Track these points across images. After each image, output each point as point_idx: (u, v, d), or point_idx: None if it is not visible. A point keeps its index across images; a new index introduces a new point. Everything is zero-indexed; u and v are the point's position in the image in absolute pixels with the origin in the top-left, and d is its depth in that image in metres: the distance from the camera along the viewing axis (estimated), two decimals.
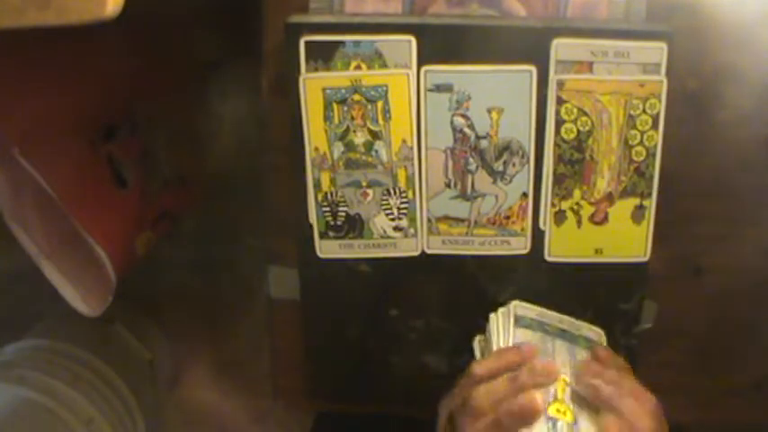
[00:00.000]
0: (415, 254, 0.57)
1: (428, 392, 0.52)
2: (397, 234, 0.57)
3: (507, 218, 0.56)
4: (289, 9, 0.54)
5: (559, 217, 0.56)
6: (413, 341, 0.60)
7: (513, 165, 0.55)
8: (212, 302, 0.78)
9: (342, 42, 0.52)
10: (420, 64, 0.53)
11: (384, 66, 0.53)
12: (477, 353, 0.54)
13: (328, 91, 0.53)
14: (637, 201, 0.55)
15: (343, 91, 0.53)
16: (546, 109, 0.53)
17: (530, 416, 0.45)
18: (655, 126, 0.54)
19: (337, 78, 0.53)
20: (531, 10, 0.55)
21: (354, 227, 0.57)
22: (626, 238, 0.56)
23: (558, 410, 0.46)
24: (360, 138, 0.54)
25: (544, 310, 0.55)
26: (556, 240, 0.56)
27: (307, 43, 0.52)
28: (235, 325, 0.77)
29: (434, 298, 0.59)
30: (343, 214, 0.56)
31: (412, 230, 0.57)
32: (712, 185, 0.58)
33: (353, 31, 0.52)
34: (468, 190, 0.56)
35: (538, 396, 0.46)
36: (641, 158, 0.54)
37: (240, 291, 0.76)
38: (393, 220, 0.56)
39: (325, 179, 0.55)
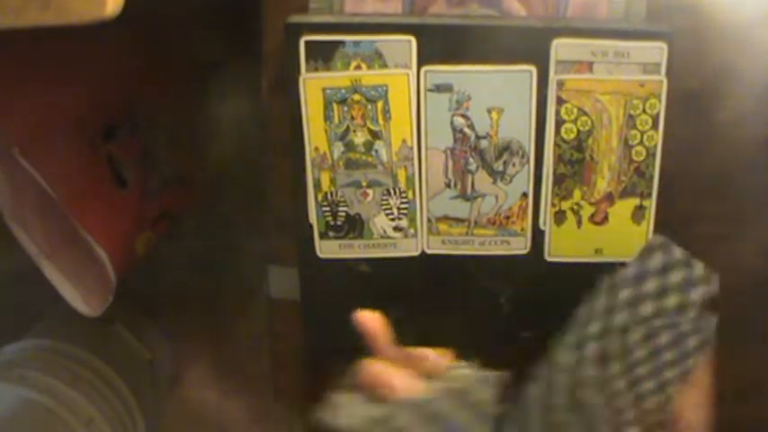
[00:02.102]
0: (415, 254, 0.57)
1: None
2: (397, 234, 0.57)
3: (507, 218, 0.56)
4: (289, 9, 0.54)
5: (559, 217, 0.56)
6: (413, 341, 0.60)
7: (513, 165, 0.55)
8: (212, 302, 0.78)
9: (342, 42, 0.52)
10: (420, 64, 0.53)
11: (384, 66, 0.53)
12: None
13: (328, 91, 0.53)
14: (637, 201, 0.55)
15: (343, 91, 0.53)
16: (546, 109, 0.53)
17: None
18: (655, 126, 0.54)
19: (337, 78, 0.53)
20: (531, 10, 0.55)
21: (354, 227, 0.57)
22: (626, 238, 0.56)
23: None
24: (360, 138, 0.54)
25: None
26: (556, 240, 0.56)
27: (307, 43, 0.52)
28: (235, 325, 0.77)
29: (434, 298, 0.59)
30: (343, 214, 0.56)
31: (412, 230, 0.57)
32: (712, 185, 0.58)
33: (353, 31, 0.52)
34: (468, 190, 0.56)
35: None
36: (641, 158, 0.54)
37: (240, 291, 0.76)
38: (393, 220, 0.56)
39: (325, 179, 0.55)
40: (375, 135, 0.54)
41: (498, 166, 0.55)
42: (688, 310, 0.49)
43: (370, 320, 0.49)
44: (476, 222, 0.56)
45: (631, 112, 0.53)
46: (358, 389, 0.46)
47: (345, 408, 0.45)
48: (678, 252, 0.48)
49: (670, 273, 0.48)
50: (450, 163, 0.55)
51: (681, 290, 0.48)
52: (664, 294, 0.48)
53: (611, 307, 0.48)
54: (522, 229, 0.56)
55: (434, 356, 0.47)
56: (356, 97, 0.53)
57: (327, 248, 0.57)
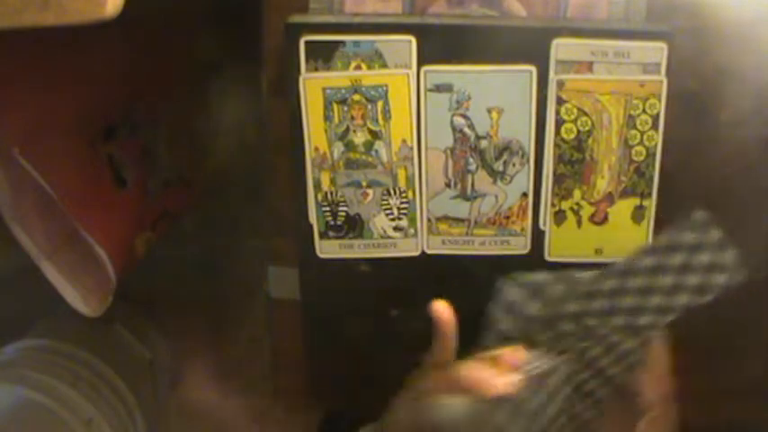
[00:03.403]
0: (415, 254, 0.57)
1: None
2: (397, 234, 0.57)
3: (507, 218, 0.56)
4: (289, 9, 0.54)
5: (559, 217, 0.56)
6: (413, 341, 0.60)
7: (513, 165, 0.55)
8: (212, 302, 0.78)
9: (342, 42, 0.52)
10: (420, 64, 0.53)
11: (384, 66, 0.53)
12: None
13: (328, 91, 0.53)
14: (637, 201, 0.55)
15: (343, 91, 0.53)
16: (546, 109, 0.53)
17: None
18: (655, 126, 0.54)
19: (337, 78, 0.53)
20: (531, 10, 0.55)
21: (354, 227, 0.57)
22: (626, 238, 0.56)
23: None
24: (360, 138, 0.54)
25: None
26: (556, 240, 0.56)
27: (307, 43, 0.52)
28: (235, 325, 0.77)
29: (434, 298, 0.59)
30: (343, 214, 0.56)
31: (412, 230, 0.57)
32: (712, 185, 0.58)
33: (353, 31, 0.52)
34: (469, 190, 0.56)
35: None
36: (641, 158, 0.54)
37: (240, 291, 0.76)
38: (393, 220, 0.56)
39: (325, 179, 0.55)
40: (375, 135, 0.54)
41: (498, 166, 0.55)
42: (702, 293, 0.49)
43: (445, 312, 0.49)
44: (476, 222, 0.56)
45: (631, 112, 0.53)
46: (456, 392, 0.46)
47: (448, 406, 0.46)
48: (714, 234, 0.48)
49: (700, 252, 0.48)
50: (451, 163, 0.55)
51: (706, 271, 0.48)
52: (687, 271, 0.48)
53: (629, 270, 0.48)
54: (522, 229, 0.56)
55: (510, 355, 0.47)
56: (356, 97, 0.53)
57: (327, 248, 0.57)
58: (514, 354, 0.47)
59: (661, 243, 0.47)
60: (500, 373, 0.46)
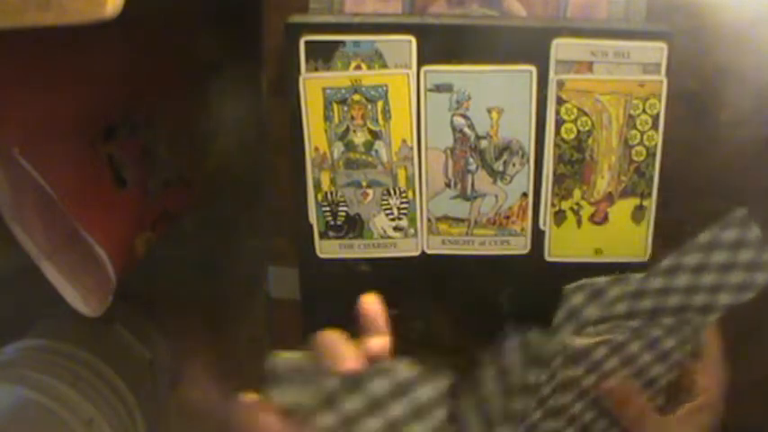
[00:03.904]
0: (415, 254, 0.57)
1: None
2: (397, 234, 0.57)
3: (507, 218, 0.56)
4: (289, 9, 0.54)
5: (559, 217, 0.56)
6: (413, 341, 0.60)
7: (513, 165, 0.55)
8: (212, 302, 0.78)
9: (342, 42, 0.52)
10: (420, 64, 0.53)
11: (384, 66, 0.53)
12: None
13: (328, 91, 0.53)
14: (637, 201, 0.55)
15: (343, 91, 0.53)
16: (546, 109, 0.53)
17: None
18: (655, 126, 0.54)
19: (337, 78, 0.53)
20: (531, 10, 0.55)
21: (354, 227, 0.57)
22: (626, 238, 0.56)
23: None
24: (360, 138, 0.54)
25: None
26: (556, 240, 0.56)
27: (307, 43, 0.52)
28: (235, 325, 0.77)
29: (434, 298, 0.59)
30: (343, 214, 0.56)
31: (412, 230, 0.57)
32: (712, 185, 0.58)
33: (353, 31, 0.52)
34: (469, 190, 0.56)
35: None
36: (641, 158, 0.54)
37: (240, 291, 0.76)
38: (393, 220, 0.56)
39: (325, 179, 0.55)
40: (375, 135, 0.54)
41: (498, 166, 0.55)
42: (744, 291, 0.49)
43: (372, 305, 0.48)
44: (476, 222, 0.56)
45: (631, 112, 0.53)
46: (309, 354, 0.44)
47: (291, 376, 0.43)
48: (755, 231, 0.48)
49: (742, 250, 0.48)
50: (451, 163, 0.55)
51: (747, 269, 0.48)
52: (730, 269, 0.48)
53: (676, 267, 0.47)
54: (522, 229, 0.56)
55: (374, 345, 0.46)
56: (356, 97, 0.53)
57: (327, 248, 0.57)
58: (378, 345, 0.46)
59: (703, 241, 0.47)
60: (351, 354, 0.44)
